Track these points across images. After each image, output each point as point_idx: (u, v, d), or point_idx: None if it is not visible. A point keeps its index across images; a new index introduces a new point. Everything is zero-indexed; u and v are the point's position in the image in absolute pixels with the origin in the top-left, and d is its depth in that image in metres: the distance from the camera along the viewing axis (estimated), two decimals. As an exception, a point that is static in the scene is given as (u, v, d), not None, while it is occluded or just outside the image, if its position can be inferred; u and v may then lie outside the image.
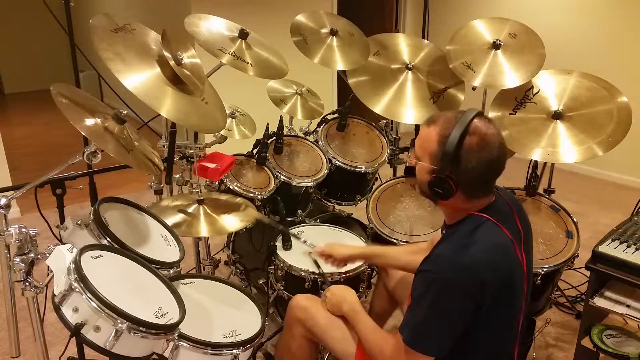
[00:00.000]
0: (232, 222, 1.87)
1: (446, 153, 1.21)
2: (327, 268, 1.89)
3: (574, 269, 2.20)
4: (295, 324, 1.63)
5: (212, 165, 1.87)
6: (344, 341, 1.53)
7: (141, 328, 1.19)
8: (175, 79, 1.58)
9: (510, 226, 1.29)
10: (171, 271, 1.53)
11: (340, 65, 2.36)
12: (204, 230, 1.80)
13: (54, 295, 1.21)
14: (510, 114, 2.26)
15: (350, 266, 1.91)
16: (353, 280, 1.94)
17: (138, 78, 1.47)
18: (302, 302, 1.65)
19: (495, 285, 1.20)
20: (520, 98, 2.29)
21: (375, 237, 2.24)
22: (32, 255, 1.37)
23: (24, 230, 1.36)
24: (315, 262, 1.90)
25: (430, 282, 1.21)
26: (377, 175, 2.69)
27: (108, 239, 1.41)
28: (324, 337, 1.57)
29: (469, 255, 1.20)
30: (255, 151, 2.34)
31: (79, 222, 1.42)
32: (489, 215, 1.27)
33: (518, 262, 1.28)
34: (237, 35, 2.10)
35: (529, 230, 1.38)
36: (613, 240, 1.83)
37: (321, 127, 2.56)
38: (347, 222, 2.48)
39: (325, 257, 1.81)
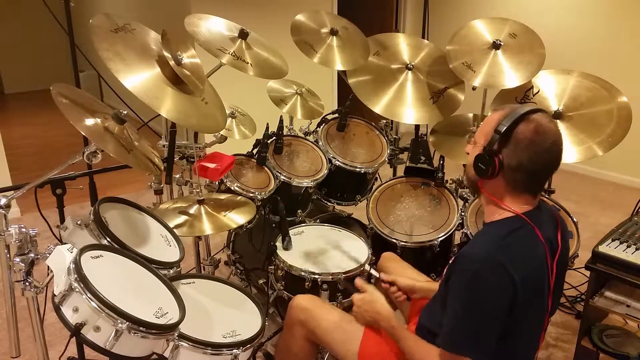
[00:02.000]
0: (235, 218, 1.87)
1: (498, 131, 1.22)
2: (327, 269, 1.89)
3: (574, 269, 2.20)
4: (296, 325, 1.63)
5: (212, 165, 1.87)
6: (345, 343, 1.53)
7: (141, 328, 1.19)
8: (175, 79, 1.58)
9: (549, 238, 1.28)
10: (171, 271, 1.53)
11: (339, 65, 2.36)
12: (207, 228, 1.80)
13: (54, 295, 1.21)
14: (510, 114, 2.26)
15: (350, 266, 1.91)
16: (353, 281, 1.93)
17: (138, 78, 1.48)
18: (303, 303, 1.64)
19: (525, 291, 1.18)
20: (520, 98, 2.29)
21: (375, 237, 2.24)
22: (32, 255, 1.37)
23: (24, 230, 1.36)
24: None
25: (466, 281, 1.20)
26: (377, 175, 2.69)
27: (108, 239, 1.41)
28: (326, 338, 1.57)
29: (503, 255, 1.18)
30: (255, 151, 2.34)
31: (79, 222, 1.42)
32: (530, 220, 1.24)
33: (547, 276, 1.26)
34: (237, 35, 2.10)
35: (566, 251, 1.36)
36: (613, 240, 1.83)
37: (321, 127, 2.56)
38: (347, 222, 2.48)
39: (388, 284, 1.72)
